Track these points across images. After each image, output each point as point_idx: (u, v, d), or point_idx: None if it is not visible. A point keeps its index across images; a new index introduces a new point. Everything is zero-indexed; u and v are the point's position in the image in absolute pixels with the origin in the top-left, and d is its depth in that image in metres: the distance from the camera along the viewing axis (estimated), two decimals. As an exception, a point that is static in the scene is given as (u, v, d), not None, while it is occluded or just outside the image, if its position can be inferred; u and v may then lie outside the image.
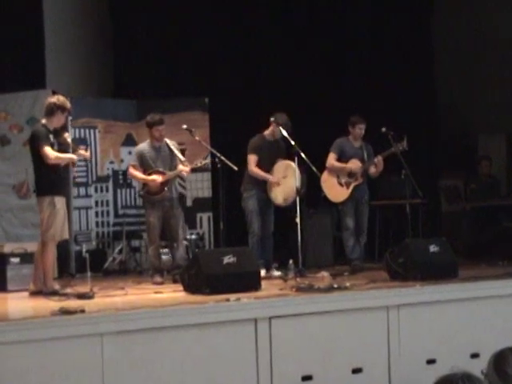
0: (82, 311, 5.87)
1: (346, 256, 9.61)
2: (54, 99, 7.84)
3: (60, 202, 7.68)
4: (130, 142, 11.01)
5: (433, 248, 7.90)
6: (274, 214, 9.32)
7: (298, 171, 8.80)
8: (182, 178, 10.56)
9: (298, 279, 8.11)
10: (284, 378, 6.37)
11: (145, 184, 8.94)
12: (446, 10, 12.88)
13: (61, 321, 5.69)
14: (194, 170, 9.66)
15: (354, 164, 9.50)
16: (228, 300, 6.43)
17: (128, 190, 11.25)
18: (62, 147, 7.76)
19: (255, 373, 6.26)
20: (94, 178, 11.05)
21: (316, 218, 10.75)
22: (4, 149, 10.56)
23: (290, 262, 8.63)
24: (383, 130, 9.27)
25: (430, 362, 7.00)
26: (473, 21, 12.79)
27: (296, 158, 8.67)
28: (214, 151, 8.91)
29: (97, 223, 11.06)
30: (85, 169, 10.85)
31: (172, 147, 8.95)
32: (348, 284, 7.39)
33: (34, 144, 7.67)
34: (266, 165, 9.25)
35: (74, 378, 5.54)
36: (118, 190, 11.24)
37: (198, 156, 10.19)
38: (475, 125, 12.83)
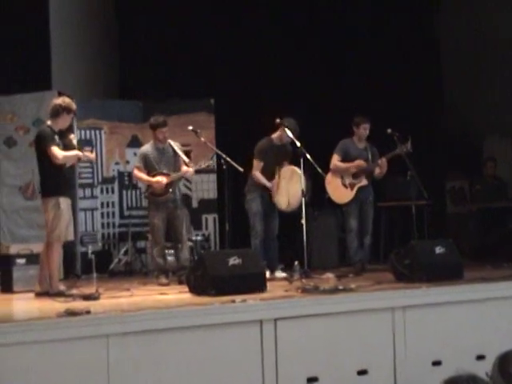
0: (88, 312, 5.88)
1: (350, 258, 9.60)
2: (59, 101, 7.86)
3: (65, 203, 7.69)
4: (135, 143, 11.03)
5: (438, 249, 7.89)
6: (280, 216, 9.31)
7: (303, 176, 8.79)
8: (187, 180, 10.60)
9: (303, 280, 8.10)
10: (289, 380, 6.36)
11: (149, 185, 8.96)
12: (449, 10, 12.86)
13: (66, 322, 5.69)
14: (199, 172, 9.69)
15: (360, 162, 9.49)
16: (233, 301, 6.43)
17: (133, 191, 11.27)
18: (67, 149, 7.78)
19: (261, 374, 6.25)
20: (100, 180, 11.07)
21: (321, 220, 10.75)
22: (10, 150, 10.58)
23: (296, 263, 8.63)
24: (389, 131, 9.25)
25: (436, 363, 6.98)
26: (475, 21, 12.76)
27: (302, 160, 8.66)
28: (220, 152, 8.92)
29: (102, 224, 11.08)
30: (90, 170, 10.87)
31: (176, 148, 8.96)
32: (353, 285, 7.38)
33: (40, 145, 7.68)
34: (273, 168, 9.25)
35: (79, 379, 5.55)
36: (124, 192, 11.25)
37: (204, 157, 10.19)
38: (480, 126, 12.81)
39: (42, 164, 7.73)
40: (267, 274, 8.24)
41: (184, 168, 8.92)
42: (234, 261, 7.13)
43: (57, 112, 7.75)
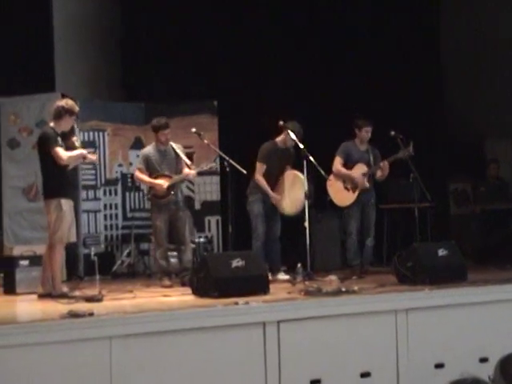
0: (91, 314, 5.87)
1: (349, 260, 9.60)
2: (62, 103, 7.86)
3: (67, 204, 7.69)
4: (138, 145, 11.01)
5: (441, 252, 7.89)
6: (283, 219, 9.31)
7: (305, 179, 8.79)
8: (190, 181, 10.60)
9: (306, 283, 8.10)
10: (292, 382, 6.36)
11: (151, 187, 8.96)
12: (449, 9, 12.84)
13: (69, 324, 5.69)
14: (202, 174, 9.69)
15: (359, 174, 9.44)
16: (236, 303, 6.43)
17: (136, 193, 11.27)
18: (70, 151, 7.78)
19: (263, 377, 6.25)
20: (103, 181, 11.07)
21: (324, 222, 10.75)
22: (14, 152, 10.59)
23: (299, 265, 8.63)
24: (392, 133, 9.24)
25: (439, 366, 6.98)
26: (476, 21, 12.74)
27: (305, 162, 8.66)
28: (223, 154, 8.92)
29: (105, 226, 11.08)
30: (93, 172, 10.87)
31: (178, 150, 8.97)
32: (356, 288, 7.37)
33: (43, 146, 7.68)
34: (275, 172, 9.26)
35: (82, 381, 5.55)
36: (127, 193, 11.25)
37: (207, 159, 10.19)
38: (482, 128, 12.80)
39: (45, 165, 7.74)
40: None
41: (186, 170, 8.93)
42: (236, 263, 7.14)
43: (59, 114, 7.76)
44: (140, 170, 8.99)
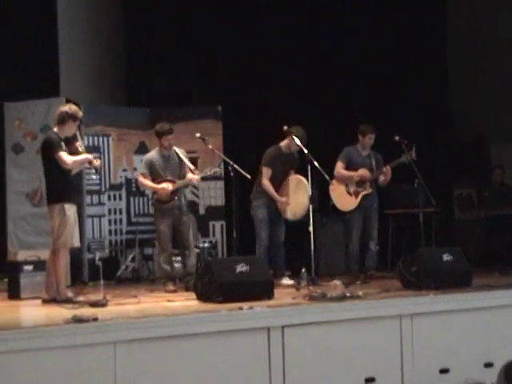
0: (95, 319, 5.87)
1: (350, 265, 9.58)
2: (65, 108, 7.87)
3: (70, 209, 7.69)
4: (142, 149, 11.01)
5: (446, 257, 7.88)
6: (287, 223, 9.31)
7: (309, 185, 8.78)
8: (194, 186, 10.60)
9: (310, 288, 8.10)
10: (297, 387, 6.37)
11: (154, 192, 8.97)
12: (449, 10, 12.82)
13: (73, 329, 5.69)
14: (206, 179, 9.68)
15: (362, 170, 9.48)
16: (241, 308, 6.43)
17: (141, 198, 11.27)
18: (73, 156, 7.78)
19: (268, 382, 6.24)
20: (107, 186, 11.07)
21: (329, 227, 10.74)
22: (18, 156, 10.60)
23: (303, 270, 8.62)
24: (396, 138, 9.24)
25: (444, 371, 6.96)
26: (485, 27, 12.74)
27: (309, 167, 8.66)
28: (227, 159, 8.93)
29: (110, 231, 11.08)
30: (98, 177, 10.87)
31: (181, 156, 8.96)
32: (361, 293, 7.36)
33: (47, 151, 7.69)
34: (280, 177, 9.27)
35: (86, 386, 5.56)
36: (131, 198, 11.26)
37: (211, 164, 10.20)
38: (488, 133, 12.78)
39: (48, 170, 7.75)
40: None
41: (189, 175, 8.93)
42: (241, 268, 7.13)
43: (63, 119, 7.76)
44: (143, 175, 8.99)
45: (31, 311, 7.61)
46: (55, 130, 7.79)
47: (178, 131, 9.36)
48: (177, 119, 10.36)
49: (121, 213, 11.17)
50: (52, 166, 7.65)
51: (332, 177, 9.29)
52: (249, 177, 8.74)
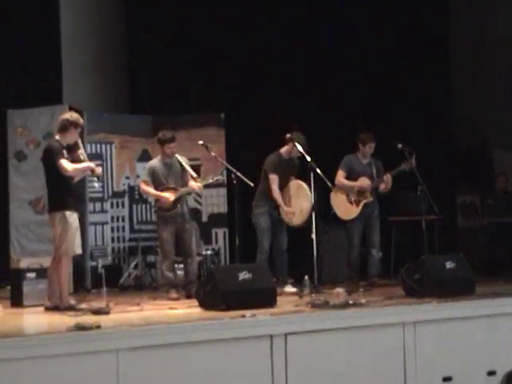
0: (98, 327, 5.87)
1: (350, 273, 9.58)
2: (67, 115, 7.89)
3: (72, 217, 7.68)
4: (145, 157, 11.01)
5: (449, 264, 7.86)
6: (290, 231, 9.30)
7: (312, 191, 8.78)
8: (197, 194, 10.59)
9: (313, 295, 8.10)
10: (299, 395, 6.35)
11: (157, 200, 8.97)
12: (457, 13, 12.83)
13: (76, 336, 5.69)
14: (209, 186, 9.68)
15: (363, 182, 9.47)
16: (243, 316, 6.42)
17: (144, 206, 11.27)
18: (76, 163, 7.78)
19: (271, 389, 6.24)
20: (110, 194, 11.07)
21: (331, 234, 10.72)
22: (21, 164, 10.60)
23: (306, 278, 8.61)
24: (399, 146, 9.24)
25: (447, 379, 6.95)
26: (489, 31, 12.72)
27: (312, 174, 8.66)
28: (230, 167, 8.93)
29: (112, 238, 11.07)
30: (100, 184, 10.87)
31: (183, 163, 8.97)
32: (364, 300, 7.36)
33: (49, 159, 7.69)
34: (281, 183, 9.25)
35: (89, 393, 5.55)
36: (134, 206, 11.25)
37: (214, 172, 10.19)
38: (491, 140, 12.76)
39: (50, 178, 7.75)
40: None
41: (192, 183, 8.93)
42: (244, 275, 7.13)
43: (64, 127, 7.77)
44: (145, 182, 8.99)
45: (34, 319, 7.61)
46: (57, 137, 7.80)
47: (180, 138, 9.37)
48: (179, 127, 10.37)
49: (123, 220, 11.17)
50: (53, 174, 7.65)
51: (333, 183, 9.28)
52: (252, 184, 8.75)
